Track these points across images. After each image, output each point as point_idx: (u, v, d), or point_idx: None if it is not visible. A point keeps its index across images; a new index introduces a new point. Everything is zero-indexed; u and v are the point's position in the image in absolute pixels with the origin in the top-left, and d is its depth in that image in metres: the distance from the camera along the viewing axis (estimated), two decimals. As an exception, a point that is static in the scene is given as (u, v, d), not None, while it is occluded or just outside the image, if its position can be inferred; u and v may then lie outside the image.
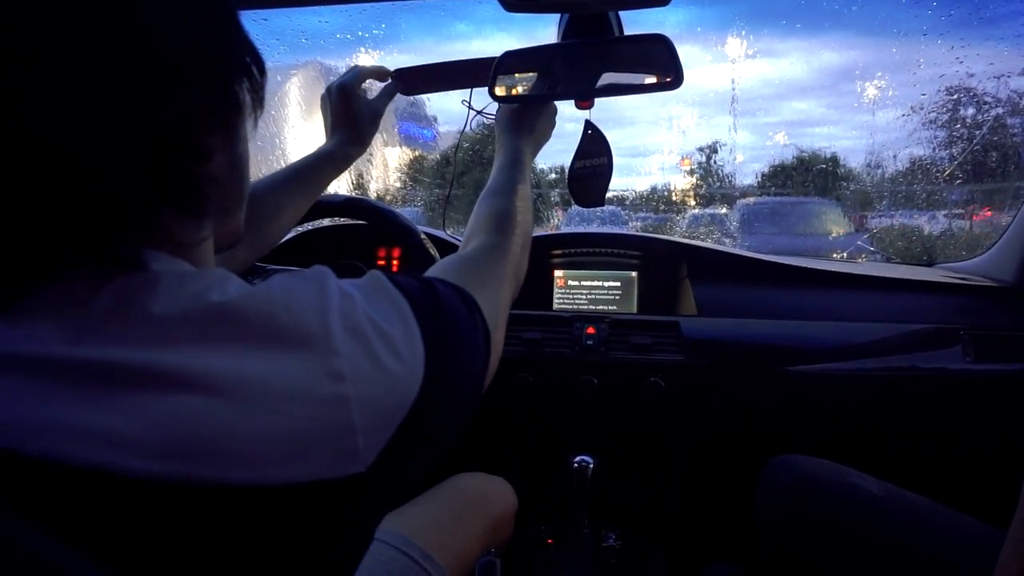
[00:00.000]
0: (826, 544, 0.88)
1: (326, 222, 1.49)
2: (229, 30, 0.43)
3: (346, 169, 1.00)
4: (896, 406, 1.24)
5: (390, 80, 1.01)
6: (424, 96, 1.03)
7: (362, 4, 1.09)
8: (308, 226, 1.46)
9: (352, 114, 0.96)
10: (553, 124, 1.00)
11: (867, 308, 1.30)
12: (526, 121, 0.95)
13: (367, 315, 0.39)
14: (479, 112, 1.03)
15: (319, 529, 0.35)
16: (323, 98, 0.98)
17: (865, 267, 1.60)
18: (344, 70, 0.99)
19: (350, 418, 0.35)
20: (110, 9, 0.34)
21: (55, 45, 0.32)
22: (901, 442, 1.28)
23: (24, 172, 0.32)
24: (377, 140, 1.03)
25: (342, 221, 1.49)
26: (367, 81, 1.00)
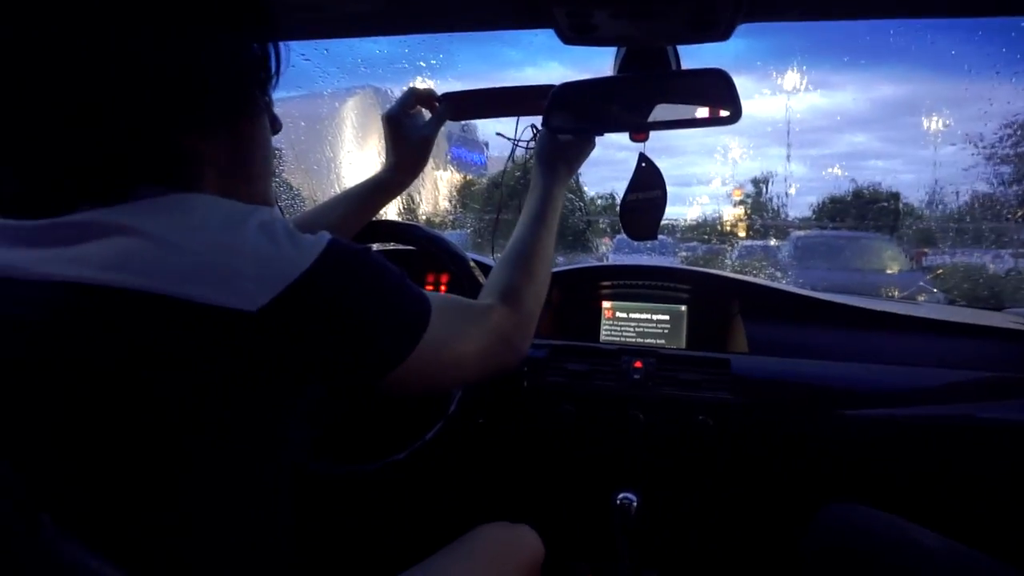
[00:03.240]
0: None
1: (375, 247, 1.52)
2: (243, 46, 0.56)
3: (397, 196, 1.04)
4: (958, 457, 1.18)
5: (439, 105, 1.03)
6: (476, 121, 1.05)
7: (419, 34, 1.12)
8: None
9: (401, 140, 1.00)
10: (586, 155, 1.00)
11: (928, 353, 1.24)
12: (563, 157, 0.96)
13: (283, 224, 0.52)
14: (516, 143, 1.05)
15: (213, 354, 0.45)
16: (383, 124, 1.01)
17: (926, 309, 1.54)
18: (399, 94, 1.02)
19: (242, 266, 0.47)
20: (151, 29, 0.49)
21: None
22: (963, 495, 1.21)
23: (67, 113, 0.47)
24: (428, 163, 1.05)
25: (392, 246, 1.51)
26: (418, 108, 1.03)
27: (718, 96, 0.91)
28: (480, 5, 0.95)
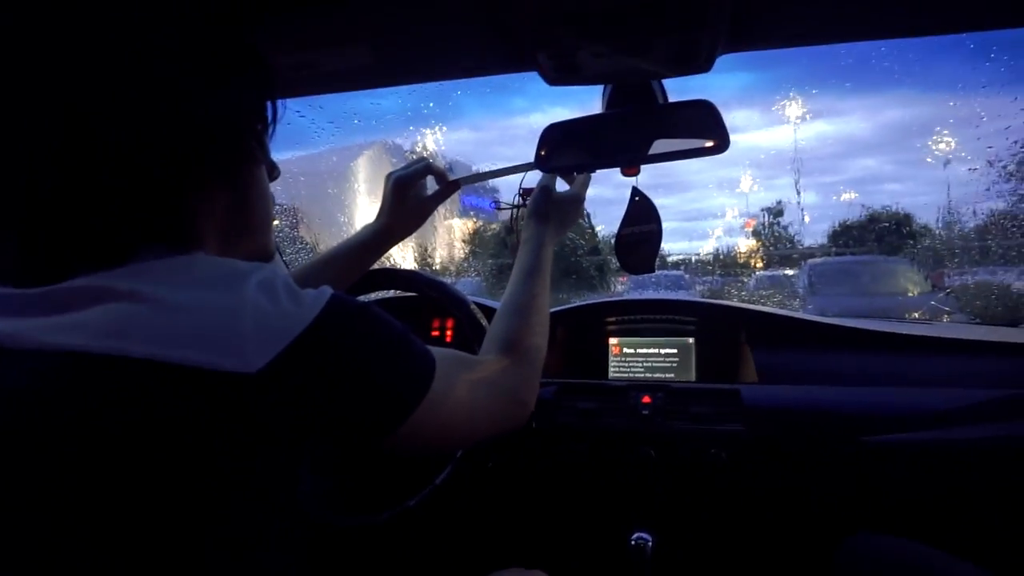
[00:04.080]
0: None
1: (380, 295, 1.53)
2: (242, 99, 0.56)
3: (383, 255, 1.05)
4: (985, 481, 1.13)
5: (449, 184, 1.05)
6: (487, 168, 1.08)
7: (413, 84, 1.14)
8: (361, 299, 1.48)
9: (402, 204, 1.01)
10: (580, 213, 1.03)
11: (946, 374, 1.21)
12: (556, 213, 0.97)
13: (284, 280, 0.51)
14: (512, 207, 1.07)
15: (214, 420, 0.44)
16: (385, 180, 1.03)
17: (942, 328, 1.51)
18: (404, 147, 1.04)
19: (241, 327, 0.46)
20: (155, 83, 0.49)
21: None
22: (991, 521, 1.16)
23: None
24: (440, 211, 1.06)
25: (395, 294, 1.52)
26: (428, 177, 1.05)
27: (704, 126, 0.92)
28: (467, 54, 0.97)
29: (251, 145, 0.59)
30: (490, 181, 1.13)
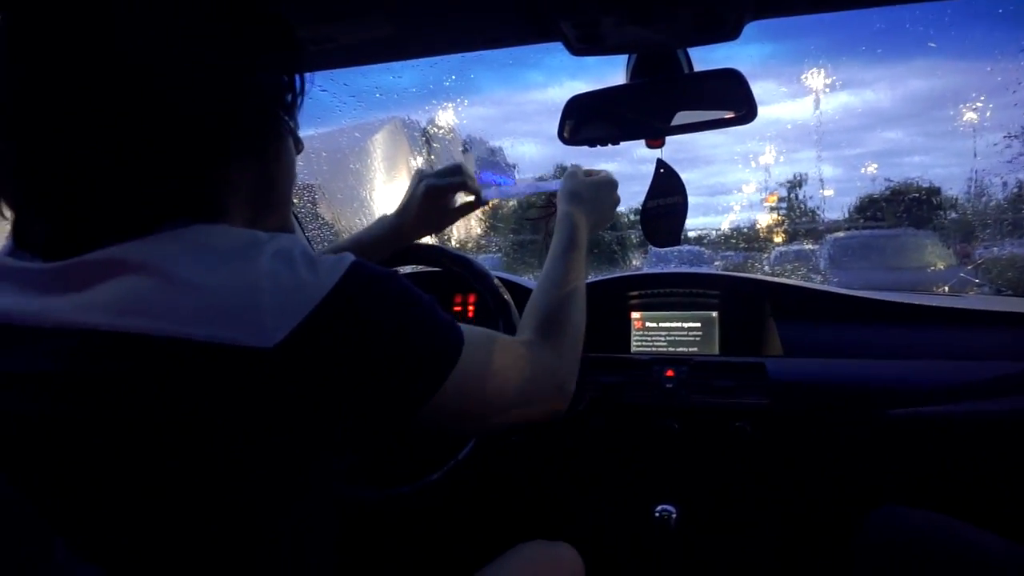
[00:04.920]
0: None
1: (405, 270, 1.53)
2: (270, 73, 0.55)
3: (392, 251, 1.00)
4: (1013, 453, 1.12)
5: (477, 200, 1.00)
6: (501, 143, 1.05)
7: (432, 58, 1.13)
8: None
9: (424, 211, 0.96)
10: (614, 201, 0.96)
11: (975, 346, 1.19)
12: (585, 191, 0.92)
13: (303, 249, 0.50)
14: (539, 215, 1.04)
15: (233, 397, 0.44)
16: (413, 175, 0.98)
17: (970, 300, 1.48)
18: (421, 122, 1.01)
19: (258, 299, 0.45)
20: (182, 55, 0.49)
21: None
22: (1019, 494, 1.15)
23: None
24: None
25: (419, 269, 1.52)
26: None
27: (731, 96, 0.90)
28: (489, 25, 0.96)
29: (278, 117, 0.57)
30: (508, 159, 1.10)
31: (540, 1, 0.82)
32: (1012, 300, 1.51)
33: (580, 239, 0.86)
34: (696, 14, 0.81)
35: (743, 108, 0.90)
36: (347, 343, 0.48)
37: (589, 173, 0.95)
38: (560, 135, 0.98)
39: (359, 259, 0.51)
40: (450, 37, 1.00)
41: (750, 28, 0.89)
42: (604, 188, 0.94)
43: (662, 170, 1.00)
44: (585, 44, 0.91)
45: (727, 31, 0.85)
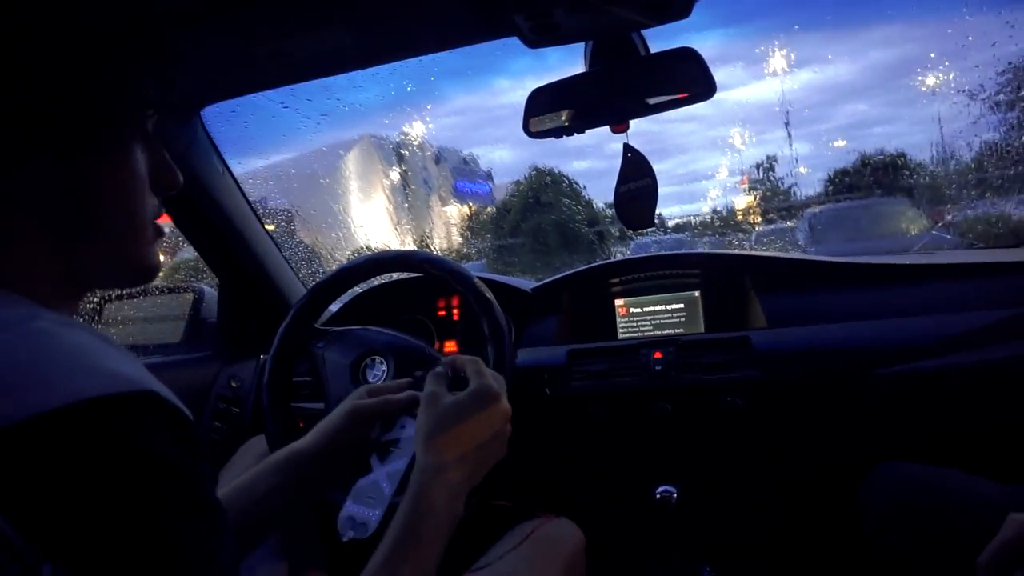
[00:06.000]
0: (951, 554, 0.81)
1: (386, 279, 1.53)
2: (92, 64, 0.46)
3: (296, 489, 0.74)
4: (1001, 400, 1.14)
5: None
6: (475, 151, 1.05)
7: (399, 73, 1.14)
8: (364, 286, 1.48)
9: (340, 435, 0.75)
10: (500, 432, 0.68)
11: (954, 299, 1.21)
12: (452, 431, 0.64)
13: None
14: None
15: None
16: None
17: (944, 256, 1.50)
18: (395, 139, 0.98)
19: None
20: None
21: None
22: (1011, 439, 1.16)
23: None
24: (434, 199, 1.04)
25: (400, 277, 1.52)
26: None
27: (689, 74, 0.91)
28: (444, 24, 0.96)
29: (110, 121, 0.48)
30: (482, 165, 1.10)
31: (491, -3, 0.83)
32: (982, 252, 1.53)
33: (428, 526, 0.59)
34: (646, -6, 0.82)
35: (701, 85, 0.91)
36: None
37: (459, 379, 0.70)
38: (525, 129, 0.98)
39: (154, 390, 0.40)
40: (408, 40, 1.01)
41: (704, 15, 0.90)
42: (477, 419, 0.65)
43: (630, 154, 1.00)
44: (540, 35, 0.91)
45: (677, 10, 0.86)
